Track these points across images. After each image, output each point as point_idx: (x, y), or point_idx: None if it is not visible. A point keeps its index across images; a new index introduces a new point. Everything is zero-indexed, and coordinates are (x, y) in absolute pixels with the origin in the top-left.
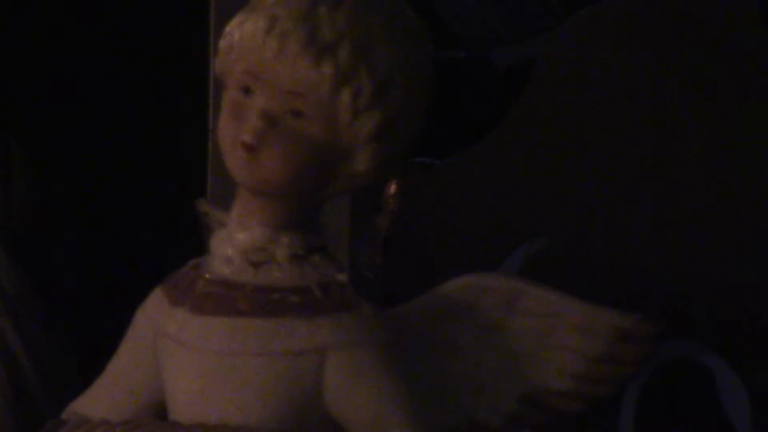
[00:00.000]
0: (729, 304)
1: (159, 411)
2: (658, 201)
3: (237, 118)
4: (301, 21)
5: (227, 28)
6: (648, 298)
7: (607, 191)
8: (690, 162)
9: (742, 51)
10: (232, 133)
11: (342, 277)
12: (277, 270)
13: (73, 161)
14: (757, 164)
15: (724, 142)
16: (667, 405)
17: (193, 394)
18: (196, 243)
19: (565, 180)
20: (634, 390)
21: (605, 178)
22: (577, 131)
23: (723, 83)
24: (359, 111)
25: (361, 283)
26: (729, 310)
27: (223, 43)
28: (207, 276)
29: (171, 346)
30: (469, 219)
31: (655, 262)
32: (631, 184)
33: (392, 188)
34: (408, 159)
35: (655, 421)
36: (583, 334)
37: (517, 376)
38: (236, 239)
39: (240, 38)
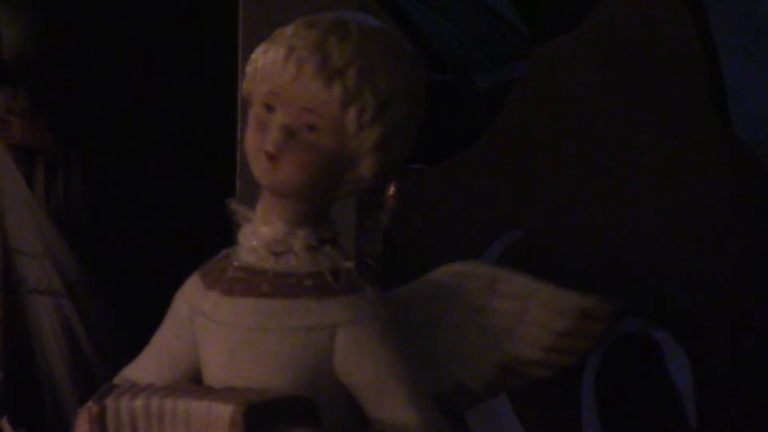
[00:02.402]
0: (674, 287)
1: (195, 377)
2: (614, 200)
3: (261, 131)
4: (315, 50)
5: (252, 56)
6: (606, 282)
7: (572, 193)
8: (641, 168)
9: (683, 73)
10: (256, 143)
11: (349, 264)
12: (294, 258)
13: (123, 168)
14: (696, 169)
15: (669, 152)
16: (622, 372)
17: (224, 362)
18: (227, 235)
19: (536, 183)
20: (594, 359)
21: (571, 181)
22: (546, 143)
23: (668, 102)
24: (364, 125)
25: (365, 269)
26: (674, 293)
27: (249, 69)
28: (235, 263)
29: (205, 323)
30: (455, 215)
31: (613, 251)
32: (592, 187)
33: (391, 189)
34: (405, 165)
35: (611, 386)
36: (552, 312)
37: (495, 347)
38: (260, 233)
39: (263, 64)
